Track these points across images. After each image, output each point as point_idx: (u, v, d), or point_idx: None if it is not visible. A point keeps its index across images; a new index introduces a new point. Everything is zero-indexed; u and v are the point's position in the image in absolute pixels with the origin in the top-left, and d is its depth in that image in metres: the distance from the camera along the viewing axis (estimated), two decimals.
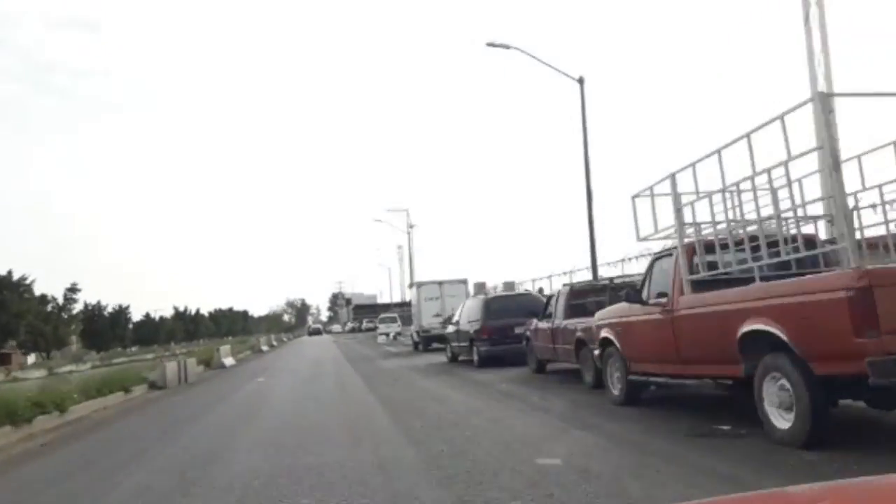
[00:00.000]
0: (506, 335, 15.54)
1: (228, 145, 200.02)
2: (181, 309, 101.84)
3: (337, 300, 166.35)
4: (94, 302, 60.25)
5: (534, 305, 15.48)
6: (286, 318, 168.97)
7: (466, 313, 17.93)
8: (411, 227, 53.52)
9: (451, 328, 19.50)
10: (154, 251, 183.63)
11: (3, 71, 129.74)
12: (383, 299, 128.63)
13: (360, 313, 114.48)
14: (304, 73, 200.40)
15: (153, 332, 74.70)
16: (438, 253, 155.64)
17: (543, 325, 13.06)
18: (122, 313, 61.37)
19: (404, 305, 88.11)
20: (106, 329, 60.10)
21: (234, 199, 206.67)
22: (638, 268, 19.11)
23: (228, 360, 30.35)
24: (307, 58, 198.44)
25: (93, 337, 59.16)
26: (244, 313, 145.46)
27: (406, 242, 54.99)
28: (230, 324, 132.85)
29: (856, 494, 1.42)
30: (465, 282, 24.61)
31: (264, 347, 50.33)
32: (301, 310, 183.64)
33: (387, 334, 44.61)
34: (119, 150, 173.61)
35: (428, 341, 24.50)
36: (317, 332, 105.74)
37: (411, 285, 27.85)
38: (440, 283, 24.64)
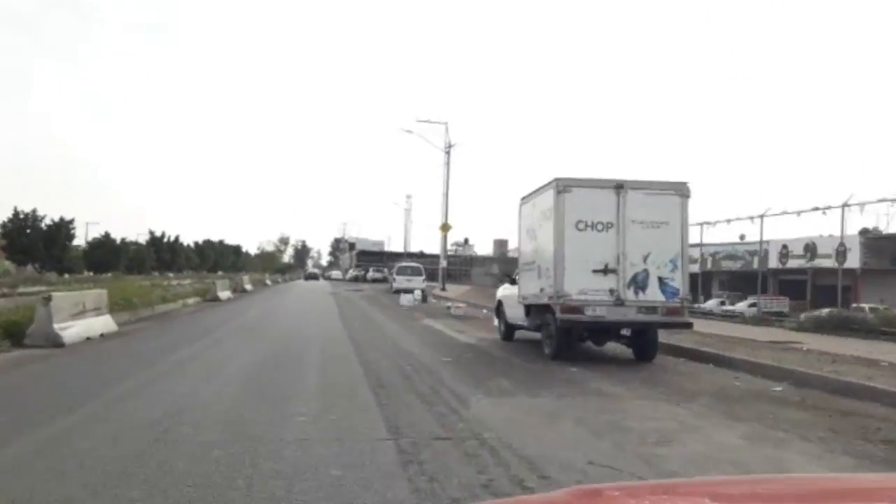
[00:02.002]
0: None
1: (230, 72, 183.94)
2: (158, 235, 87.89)
3: (339, 244, 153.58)
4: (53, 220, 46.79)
5: None
6: (286, 258, 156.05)
7: None
8: (450, 146, 39.15)
9: None
10: (151, 182, 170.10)
11: None
12: (392, 248, 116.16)
13: (365, 260, 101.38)
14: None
15: (110, 258, 61.16)
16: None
17: None
18: (60, 228, 47.45)
19: (419, 257, 74.54)
20: (34, 246, 46.24)
21: (235, 133, 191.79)
22: None
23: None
24: None
25: (15, 254, 45.67)
26: (236, 248, 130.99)
27: (441, 171, 40.59)
28: (218, 257, 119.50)
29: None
30: (683, 189, 10.18)
31: (248, 286, 37.39)
32: (301, 252, 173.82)
33: (410, 291, 30.49)
34: (120, 75, 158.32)
35: (569, 333, 10.57)
36: (313, 277, 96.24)
37: (528, 197, 11.51)
38: (619, 188, 9.74)
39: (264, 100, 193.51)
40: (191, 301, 26.31)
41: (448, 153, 39.32)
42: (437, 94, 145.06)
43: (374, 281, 66.87)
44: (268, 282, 48.01)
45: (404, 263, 39.69)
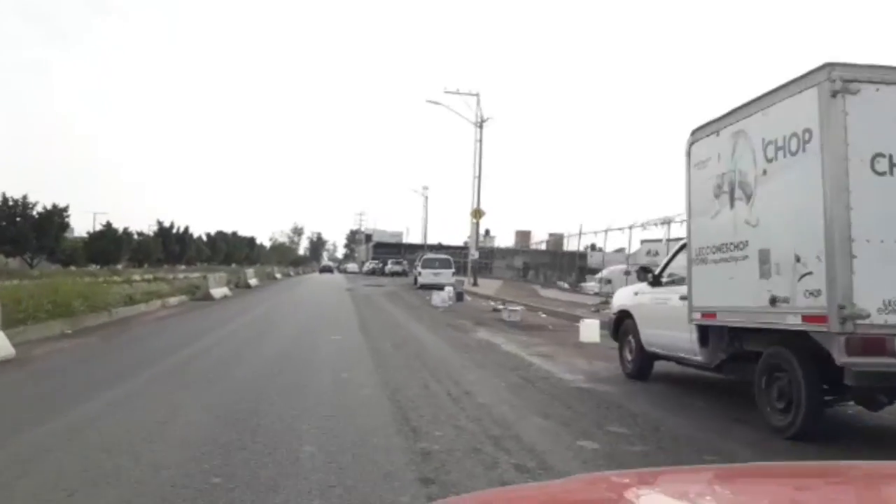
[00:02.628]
0: None
1: (243, 60, 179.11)
2: (166, 225, 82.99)
3: (355, 236, 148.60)
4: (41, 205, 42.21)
5: None
6: (301, 251, 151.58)
7: None
8: (483, 119, 33.58)
9: None
10: (164, 174, 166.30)
11: None
12: (410, 239, 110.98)
13: (382, 252, 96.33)
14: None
15: (111, 249, 56.42)
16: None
17: None
18: (52, 217, 42.68)
19: (439, 249, 68.92)
20: (23, 236, 41.45)
21: (248, 123, 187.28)
22: None
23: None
24: None
25: (2, 244, 40.88)
26: (250, 240, 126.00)
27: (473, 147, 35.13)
28: (231, 250, 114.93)
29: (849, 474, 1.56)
30: None
31: (252, 281, 32.04)
32: (316, 244, 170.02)
33: (438, 287, 24.92)
34: (133, 66, 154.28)
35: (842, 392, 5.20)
36: (327, 270, 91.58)
37: (720, 121, 5.93)
38: None
39: (279, 88, 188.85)
40: (173, 300, 21.14)
41: (480, 127, 33.76)
42: (455, 76, 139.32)
43: (394, 274, 61.67)
44: (277, 275, 42.94)
45: (431, 255, 34.34)
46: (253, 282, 33.03)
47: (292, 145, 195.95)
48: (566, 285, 34.73)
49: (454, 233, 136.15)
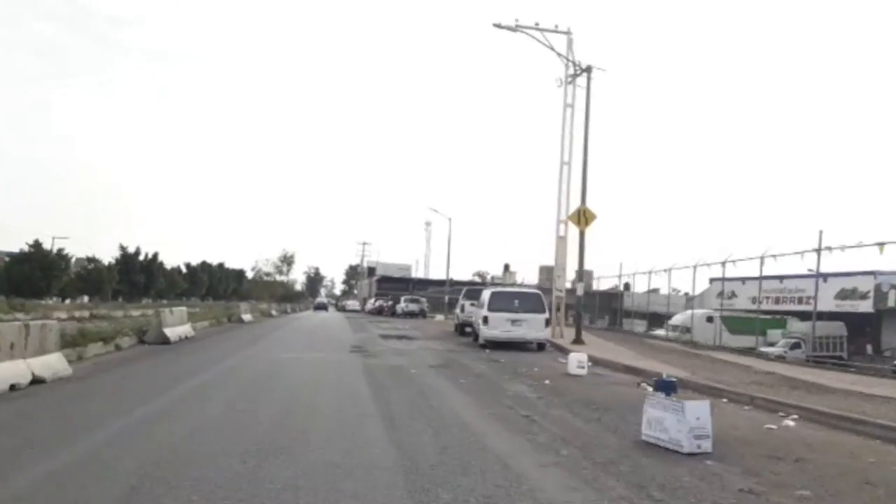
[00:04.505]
0: None
1: (235, 88, 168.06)
2: (131, 251, 69.54)
3: (356, 270, 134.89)
4: None
5: None
6: (298, 286, 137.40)
7: None
8: (583, 69, 20.32)
9: None
10: (150, 202, 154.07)
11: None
12: (421, 274, 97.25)
13: (388, 288, 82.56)
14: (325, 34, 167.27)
15: (39, 277, 42.75)
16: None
17: None
18: None
19: (451, 286, 55.28)
20: None
21: (240, 155, 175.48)
22: None
23: None
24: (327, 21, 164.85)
25: None
26: (238, 273, 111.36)
27: None
28: (214, 283, 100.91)
29: None
30: None
31: (181, 331, 18.71)
32: (314, 279, 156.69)
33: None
34: (136, 99, 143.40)
35: None
36: (322, 308, 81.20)
37: None
38: None
39: (272, 119, 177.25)
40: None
41: (582, 74, 20.53)
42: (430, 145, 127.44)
43: (408, 316, 47.79)
44: (245, 316, 28.86)
45: (501, 289, 20.33)
46: (181, 332, 19.34)
47: (288, 176, 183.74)
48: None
49: (463, 269, 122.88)
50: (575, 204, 21.80)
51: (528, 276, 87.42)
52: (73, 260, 59.74)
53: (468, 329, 23.50)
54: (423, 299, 51.09)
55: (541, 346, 17.64)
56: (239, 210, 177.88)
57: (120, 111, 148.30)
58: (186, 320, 18.13)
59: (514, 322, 17.29)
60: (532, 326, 17.25)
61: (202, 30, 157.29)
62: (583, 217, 18.99)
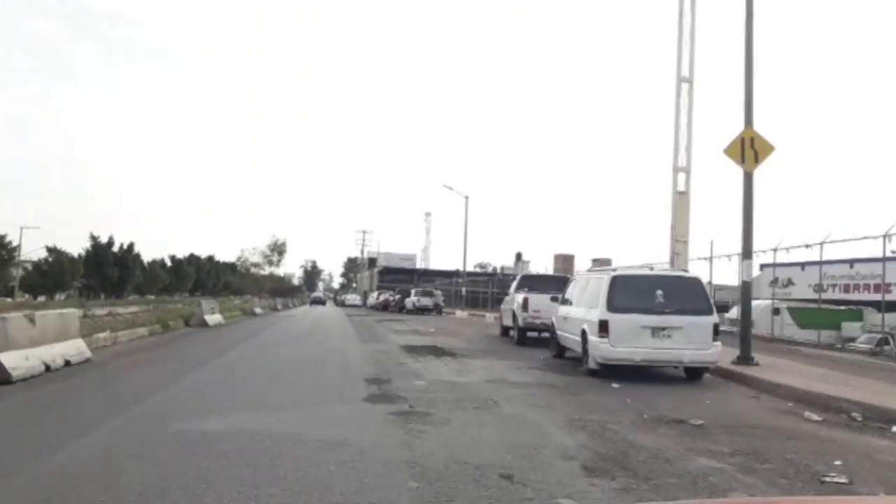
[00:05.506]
0: None
1: (226, 81, 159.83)
2: (103, 240, 61.63)
3: (355, 263, 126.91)
4: None
5: None
6: (295, 281, 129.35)
7: None
8: None
9: None
10: (155, 198, 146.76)
11: None
12: (425, 264, 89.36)
13: (391, 280, 74.95)
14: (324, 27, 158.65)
15: None
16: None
17: None
18: None
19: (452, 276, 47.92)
20: None
21: (236, 146, 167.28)
22: None
23: None
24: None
25: None
26: (232, 266, 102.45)
27: None
28: (203, 277, 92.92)
29: None
30: None
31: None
32: (311, 273, 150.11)
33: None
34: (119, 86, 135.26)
35: None
36: (318, 302, 74.70)
37: None
38: None
39: (264, 108, 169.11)
40: None
41: None
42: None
43: (421, 311, 40.11)
44: (212, 318, 20.47)
45: (626, 271, 11.67)
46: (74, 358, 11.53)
47: (282, 166, 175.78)
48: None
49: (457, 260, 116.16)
50: (699, 139, 14.04)
51: (539, 267, 79.93)
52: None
53: (530, 334, 15.83)
54: (439, 292, 43.27)
55: (695, 373, 9.94)
56: (231, 202, 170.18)
57: (103, 100, 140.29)
58: (72, 332, 10.27)
59: (659, 331, 9.50)
60: (691, 338, 9.51)
61: (189, 14, 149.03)
62: (749, 150, 11.12)
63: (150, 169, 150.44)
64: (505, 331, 18.52)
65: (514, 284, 17.81)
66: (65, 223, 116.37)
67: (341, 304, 73.63)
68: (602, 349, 9.66)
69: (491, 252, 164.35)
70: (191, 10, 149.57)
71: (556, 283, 17.04)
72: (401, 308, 44.67)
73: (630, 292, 9.87)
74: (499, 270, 76.94)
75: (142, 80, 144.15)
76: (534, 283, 17.09)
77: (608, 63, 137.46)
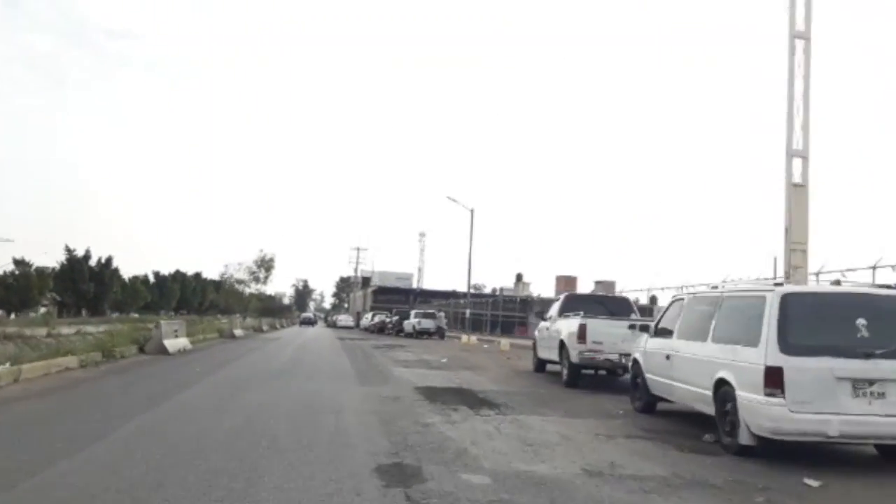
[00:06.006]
0: None
1: (220, 94, 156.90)
2: (79, 254, 57.36)
3: (348, 282, 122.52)
4: None
5: None
6: (286, 300, 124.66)
7: None
8: None
9: None
10: (145, 214, 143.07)
11: None
12: (422, 284, 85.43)
13: (385, 301, 71.11)
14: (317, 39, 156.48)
15: None
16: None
17: None
18: None
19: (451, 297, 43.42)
20: None
21: (227, 161, 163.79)
22: None
23: None
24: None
25: None
26: (220, 284, 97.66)
27: None
28: (188, 294, 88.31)
29: None
30: None
31: None
32: (302, 293, 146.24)
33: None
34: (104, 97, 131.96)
35: None
36: (308, 323, 71.44)
37: None
38: None
39: (260, 125, 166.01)
40: None
41: None
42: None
43: (419, 334, 36.28)
44: (174, 343, 15.54)
45: (799, 288, 7.65)
46: None
47: (273, 185, 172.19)
48: None
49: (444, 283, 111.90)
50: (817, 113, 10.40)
51: (539, 288, 76.20)
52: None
53: (585, 372, 11.97)
54: (442, 314, 39.25)
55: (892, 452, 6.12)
56: (222, 219, 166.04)
57: (89, 111, 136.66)
58: None
59: (864, 386, 5.68)
60: None
61: (181, 25, 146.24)
62: None
63: (139, 184, 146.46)
64: (541, 365, 14.63)
65: (557, 307, 13.91)
66: (46, 238, 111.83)
67: (332, 325, 69.43)
68: (772, 415, 5.76)
69: (485, 273, 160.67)
70: (182, 20, 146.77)
71: (613, 307, 13.26)
72: (398, 331, 40.73)
73: (814, 322, 6.01)
74: (497, 292, 73.16)
75: (130, 93, 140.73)
76: (583, 305, 13.21)
77: (612, 74, 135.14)
